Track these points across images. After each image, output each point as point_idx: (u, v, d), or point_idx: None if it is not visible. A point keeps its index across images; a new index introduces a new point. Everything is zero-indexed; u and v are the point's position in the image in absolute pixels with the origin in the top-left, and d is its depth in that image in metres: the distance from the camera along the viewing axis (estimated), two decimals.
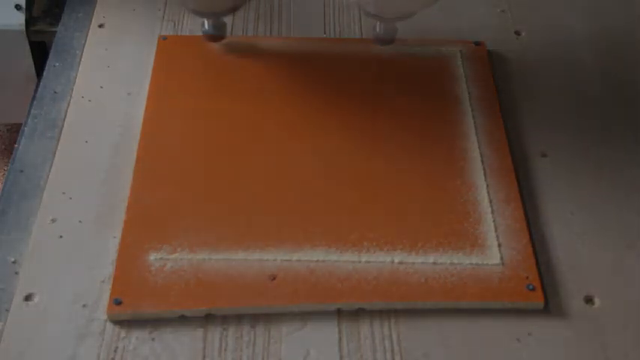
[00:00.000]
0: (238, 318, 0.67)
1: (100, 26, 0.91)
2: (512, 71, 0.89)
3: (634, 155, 0.81)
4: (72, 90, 0.84)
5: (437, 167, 0.78)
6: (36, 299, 0.68)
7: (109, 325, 0.66)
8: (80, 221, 0.73)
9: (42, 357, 0.65)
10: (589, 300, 0.70)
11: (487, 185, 0.77)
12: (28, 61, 0.98)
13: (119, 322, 0.67)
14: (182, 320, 0.67)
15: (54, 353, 0.65)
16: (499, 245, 0.72)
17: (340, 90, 0.85)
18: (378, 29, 0.86)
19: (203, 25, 0.86)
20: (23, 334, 0.66)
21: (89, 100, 0.84)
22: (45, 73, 0.87)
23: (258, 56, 0.88)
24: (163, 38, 0.89)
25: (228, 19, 0.89)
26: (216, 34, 0.87)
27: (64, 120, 0.82)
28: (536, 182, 0.78)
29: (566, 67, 0.90)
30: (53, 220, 0.73)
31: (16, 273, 0.70)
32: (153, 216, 0.73)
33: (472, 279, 0.70)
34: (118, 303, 0.67)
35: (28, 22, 0.96)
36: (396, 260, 0.71)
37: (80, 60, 0.88)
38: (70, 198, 0.75)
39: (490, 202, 0.75)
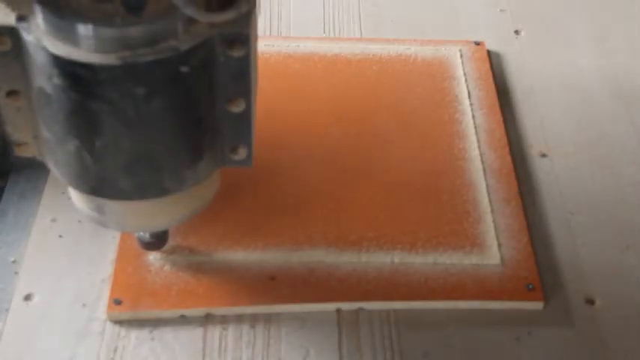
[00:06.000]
0: (238, 318, 0.67)
1: None
2: (512, 71, 0.89)
3: (634, 155, 0.81)
4: None
5: (437, 167, 0.78)
6: (36, 299, 0.68)
7: (109, 325, 0.66)
8: (80, 221, 0.73)
9: (42, 357, 0.65)
10: (589, 300, 0.70)
11: (487, 185, 0.77)
12: None
13: (119, 322, 0.67)
14: (182, 320, 0.67)
15: (54, 353, 0.65)
16: (499, 245, 0.72)
17: (339, 90, 0.85)
18: (142, 234, 0.69)
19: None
20: (23, 334, 0.66)
21: None
22: None
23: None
24: None
25: None
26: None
27: None
28: (536, 182, 0.78)
29: (566, 67, 0.90)
30: (53, 220, 0.73)
31: (16, 273, 0.70)
32: None
33: (472, 279, 0.70)
34: (118, 303, 0.67)
35: None
36: (396, 260, 0.71)
37: None
38: (70, 198, 0.75)
39: (490, 202, 0.75)
